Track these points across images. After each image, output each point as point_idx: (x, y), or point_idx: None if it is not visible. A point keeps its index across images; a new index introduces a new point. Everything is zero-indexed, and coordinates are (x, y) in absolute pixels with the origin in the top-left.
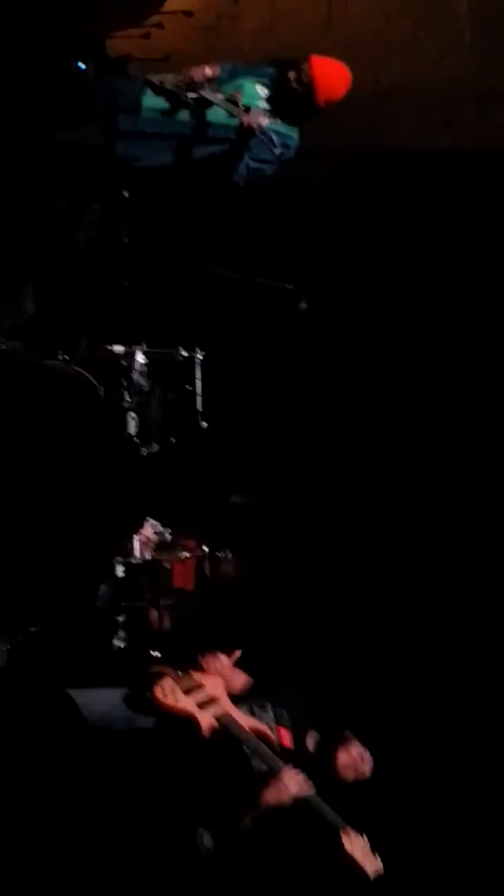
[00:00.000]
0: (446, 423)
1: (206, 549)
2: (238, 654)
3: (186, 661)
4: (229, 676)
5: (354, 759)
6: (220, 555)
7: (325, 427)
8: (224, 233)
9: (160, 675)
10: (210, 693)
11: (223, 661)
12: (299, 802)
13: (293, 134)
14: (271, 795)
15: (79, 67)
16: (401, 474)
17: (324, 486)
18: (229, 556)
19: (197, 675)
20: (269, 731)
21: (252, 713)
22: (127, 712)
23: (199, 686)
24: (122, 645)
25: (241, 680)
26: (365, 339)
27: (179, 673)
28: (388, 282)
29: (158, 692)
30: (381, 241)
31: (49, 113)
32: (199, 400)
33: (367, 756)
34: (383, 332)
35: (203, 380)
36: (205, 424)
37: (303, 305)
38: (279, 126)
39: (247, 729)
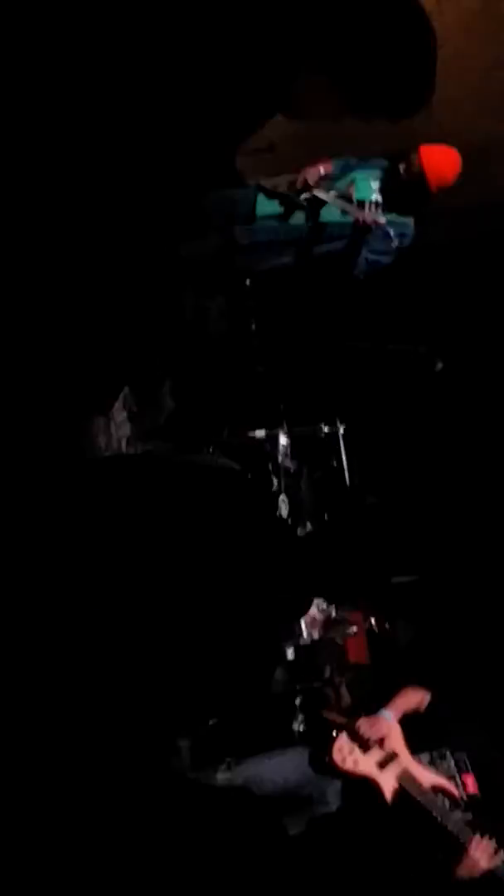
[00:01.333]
0: None
1: (373, 620)
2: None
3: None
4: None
5: None
6: (388, 625)
7: (477, 485)
8: (351, 305)
9: (337, 735)
10: (389, 748)
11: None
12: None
13: (409, 223)
14: (463, 872)
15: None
16: None
17: (481, 544)
18: (399, 624)
19: (374, 728)
20: (451, 786)
21: (433, 764)
22: (312, 777)
23: (378, 741)
24: (301, 728)
25: (415, 698)
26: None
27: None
28: None
29: (337, 756)
30: None
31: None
32: (346, 474)
33: None
34: None
35: (348, 453)
36: (373, 499)
37: (439, 366)
38: (394, 217)
39: (429, 788)
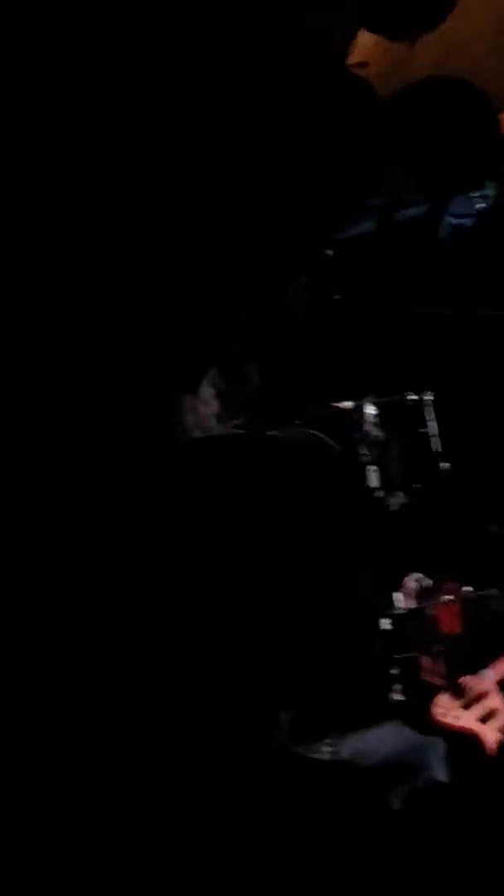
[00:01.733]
0: None
1: (469, 589)
2: None
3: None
4: None
5: None
6: (484, 593)
7: None
8: (436, 270)
9: (436, 695)
10: (490, 705)
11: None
12: None
13: (489, 186)
14: None
15: None
16: None
17: None
18: (494, 593)
19: (475, 685)
20: None
21: None
22: (414, 743)
23: (479, 697)
24: (400, 698)
25: None
26: None
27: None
28: None
29: (437, 712)
30: None
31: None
32: (435, 441)
33: None
34: None
35: (437, 420)
36: (446, 465)
37: None
38: None
39: None
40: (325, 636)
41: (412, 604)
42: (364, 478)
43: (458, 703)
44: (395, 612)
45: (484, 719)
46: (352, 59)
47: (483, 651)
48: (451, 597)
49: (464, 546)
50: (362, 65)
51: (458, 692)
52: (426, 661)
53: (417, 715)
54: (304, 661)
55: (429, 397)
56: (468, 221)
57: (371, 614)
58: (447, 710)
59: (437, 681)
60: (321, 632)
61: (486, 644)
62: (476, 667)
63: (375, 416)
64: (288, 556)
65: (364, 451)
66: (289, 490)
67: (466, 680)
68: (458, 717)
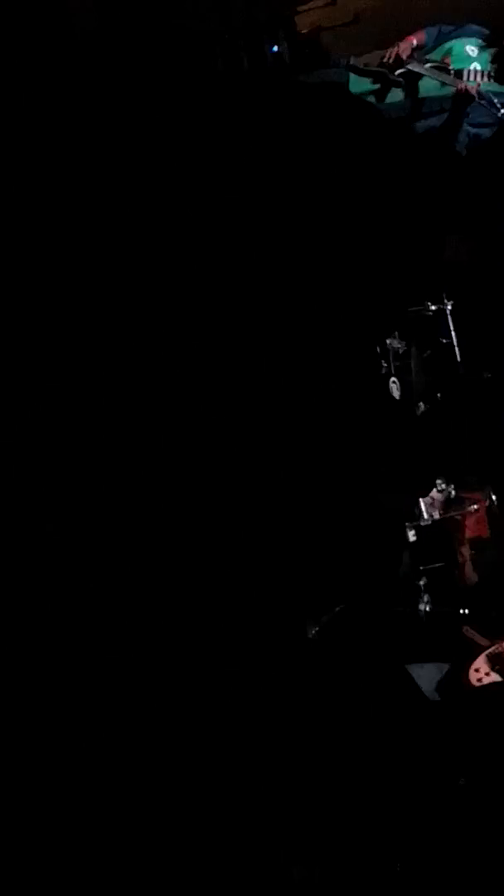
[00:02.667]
0: None
1: (494, 496)
2: None
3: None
4: None
5: None
6: None
7: None
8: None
9: (474, 655)
10: None
11: None
12: None
13: None
14: None
15: (273, 51)
16: None
17: None
18: None
19: None
20: None
21: None
22: (445, 692)
23: None
24: (428, 608)
25: None
26: None
27: (493, 645)
28: None
29: (472, 676)
30: None
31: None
32: (456, 351)
33: None
34: None
35: (458, 330)
36: (486, 374)
37: None
38: (495, 87)
39: None
40: (354, 546)
41: (438, 514)
42: (386, 389)
43: (493, 668)
44: (422, 523)
45: None
46: None
47: None
48: (476, 506)
49: (486, 453)
50: None
51: (496, 657)
52: (456, 571)
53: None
54: (335, 570)
55: (449, 306)
56: (487, 132)
57: (398, 527)
58: (482, 676)
59: (480, 640)
60: (350, 542)
61: None
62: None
63: (397, 327)
64: (313, 469)
65: (384, 363)
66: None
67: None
68: (491, 678)
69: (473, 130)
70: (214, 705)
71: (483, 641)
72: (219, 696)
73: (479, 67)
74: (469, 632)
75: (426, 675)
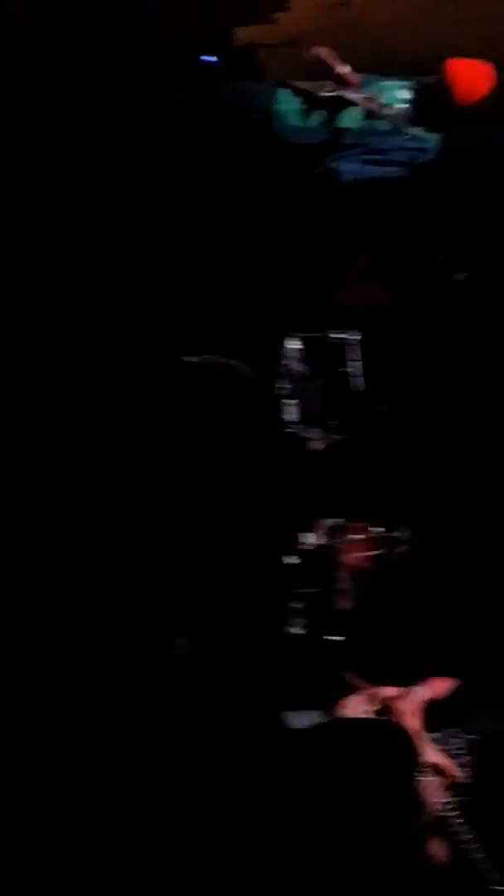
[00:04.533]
0: None
1: (378, 528)
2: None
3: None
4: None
5: None
6: (393, 533)
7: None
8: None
9: (349, 687)
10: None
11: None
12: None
13: (431, 139)
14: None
15: (207, 61)
16: None
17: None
18: (403, 533)
19: (391, 694)
20: (452, 768)
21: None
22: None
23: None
24: (301, 632)
25: (441, 687)
26: None
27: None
28: None
29: (342, 709)
30: None
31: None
32: (356, 381)
33: None
34: None
35: (361, 361)
36: (382, 407)
37: (459, 276)
38: (419, 131)
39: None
40: (230, 567)
41: (321, 540)
42: (280, 410)
43: (366, 707)
44: (303, 547)
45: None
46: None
47: (388, 589)
48: (360, 535)
49: (376, 486)
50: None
51: (371, 698)
52: (332, 598)
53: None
54: (209, 590)
55: (354, 337)
56: (398, 171)
57: (278, 548)
58: (352, 707)
59: (361, 684)
60: (227, 563)
61: (391, 582)
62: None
63: (297, 350)
64: (194, 482)
65: (284, 384)
66: (201, 415)
67: (388, 690)
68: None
69: (385, 170)
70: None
71: (361, 686)
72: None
73: (405, 106)
74: (350, 678)
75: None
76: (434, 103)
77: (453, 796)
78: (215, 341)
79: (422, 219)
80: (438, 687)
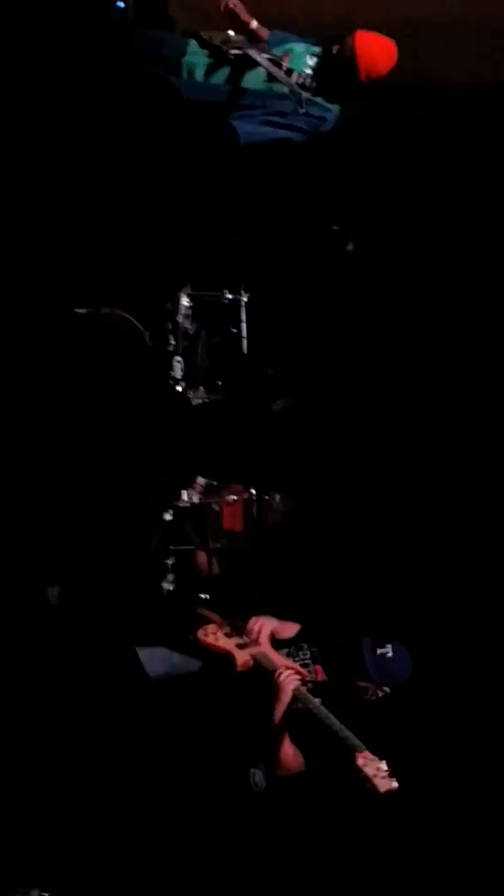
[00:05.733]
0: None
1: (253, 491)
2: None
3: (235, 614)
4: (278, 629)
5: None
6: (267, 497)
7: (374, 367)
8: (266, 177)
9: (206, 621)
10: (252, 637)
11: (266, 629)
12: (322, 730)
13: (333, 110)
14: (279, 705)
15: (118, 7)
16: (459, 413)
17: (372, 424)
18: (277, 497)
19: (241, 623)
20: (303, 671)
21: (289, 656)
22: (177, 659)
23: (242, 630)
24: (170, 588)
25: (289, 629)
26: (415, 280)
27: (226, 622)
28: (437, 218)
29: (200, 633)
30: (424, 176)
31: (90, 56)
32: (244, 343)
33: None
34: (434, 272)
35: (249, 323)
36: (268, 370)
37: (349, 247)
38: (321, 101)
39: (281, 665)
40: (104, 520)
41: (196, 499)
42: (169, 366)
43: (223, 630)
44: (179, 504)
45: (242, 646)
46: None
47: (259, 554)
48: (235, 497)
49: (257, 448)
50: None
51: (231, 627)
52: (202, 555)
53: (187, 610)
54: (79, 537)
55: (245, 299)
56: (298, 136)
57: (154, 504)
58: (210, 633)
59: (214, 617)
60: (101, 515)
61: (264, 544)
62: (251, 566)
63: (189, 307)
64: (78, 430)
65: (172, 340)
66: (87, 365)
67: (246, 623)
68: (217, 639)
69: (285, 133)
70: None
71: (216, 618)
72: None
73: (309, 73)
74: (204, 612)
75: (155, 657)
76: (338, 74)
77: (307, 689)
78: (108, 293)
79: (318, 187)
80: (287, 628)
